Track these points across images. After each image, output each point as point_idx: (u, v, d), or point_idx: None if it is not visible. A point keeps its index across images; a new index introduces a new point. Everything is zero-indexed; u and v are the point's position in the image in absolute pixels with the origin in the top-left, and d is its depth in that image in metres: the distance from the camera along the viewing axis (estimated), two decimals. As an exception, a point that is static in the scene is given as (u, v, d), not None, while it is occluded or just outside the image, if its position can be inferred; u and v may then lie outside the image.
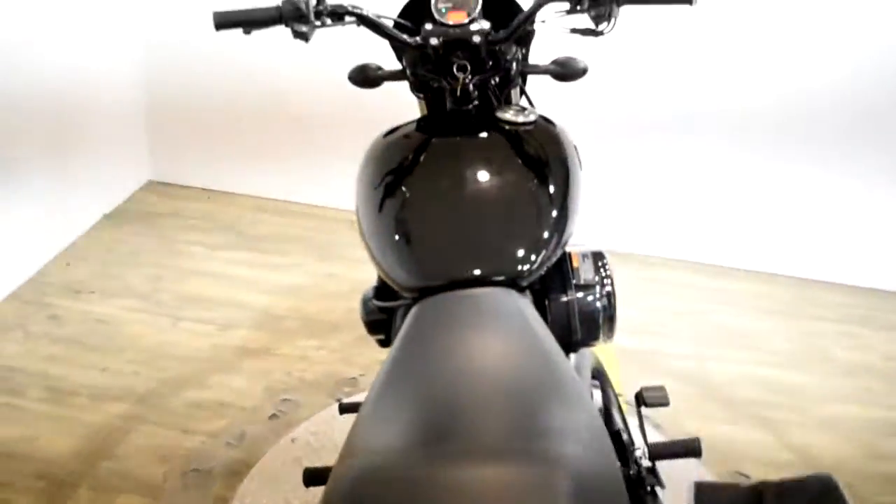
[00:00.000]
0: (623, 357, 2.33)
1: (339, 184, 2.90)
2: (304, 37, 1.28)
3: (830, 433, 2.14)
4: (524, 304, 1.00)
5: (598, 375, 1.34)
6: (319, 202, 3.05)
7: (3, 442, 1.86)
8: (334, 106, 2.83)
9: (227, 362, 2.17)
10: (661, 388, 1.52)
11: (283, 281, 2.58)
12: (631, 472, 1.03)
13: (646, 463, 1.05)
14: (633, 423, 1.29)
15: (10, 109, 2.35)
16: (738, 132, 2.76)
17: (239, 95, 2.96)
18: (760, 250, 2.92)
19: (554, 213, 1.13)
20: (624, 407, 1.47)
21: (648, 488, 1.03)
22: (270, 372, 2.14)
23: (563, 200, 1.14)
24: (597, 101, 2.70)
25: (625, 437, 1.15)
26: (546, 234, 1.09)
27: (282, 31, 1.28)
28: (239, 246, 2.77)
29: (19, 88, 2.37)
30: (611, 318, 1.21)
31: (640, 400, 1.51)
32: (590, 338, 1.19)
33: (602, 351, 1.55)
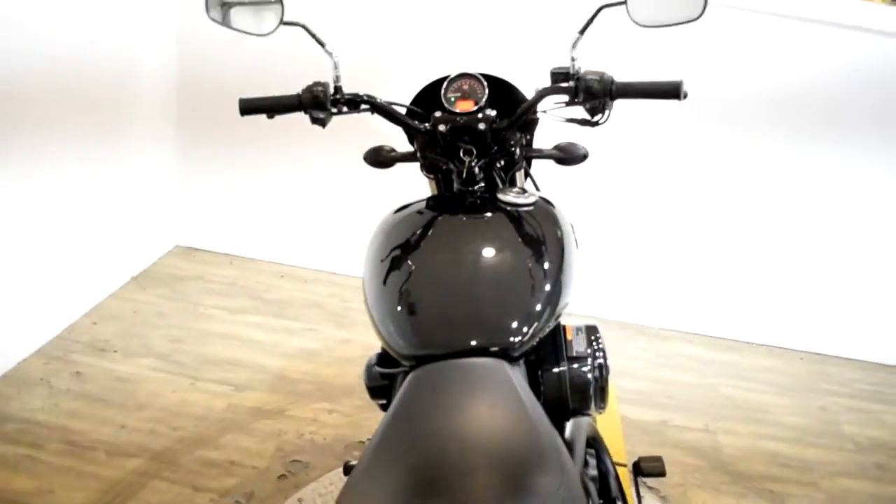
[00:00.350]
0: (633, 428, 2.38)
1: (356, 253, 3.02)
2: (322, 123, 1.40)
3: (840, 510, 2.16)
4: (514, 375, 1.06)
5: (595, 443, 1.39)
6: (337, 270, 3.16)
7: (18, 494, 1.92)
8: (354, 179, 2.96)
9: (242, 422, 2.23)
10: (659, 458, 1.57)
11: (299, 345, 2.66)
12: None
13: None
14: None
15: (49, 166, 2.49)
16: (752, 210, 2.85)
17: (264, 168, 3.11)
18: (774, 325, 2.98)
19: (547, 288, 1.20)
20: (624, 475, 1.52)
21: None
22: (283, 433, 2.20)
23: (557, 276, 1.22)
24: (615, 179, 2.81)
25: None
26: (538, 308, 1.16)
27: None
28: (259, 310, 2.86)
29: (54, 150, 2.52)
30: (602, 389, 1.27)
31: (638, 469, 1.56)
32: (582, 407, 1.24)
33: (606, 421, 1.61)
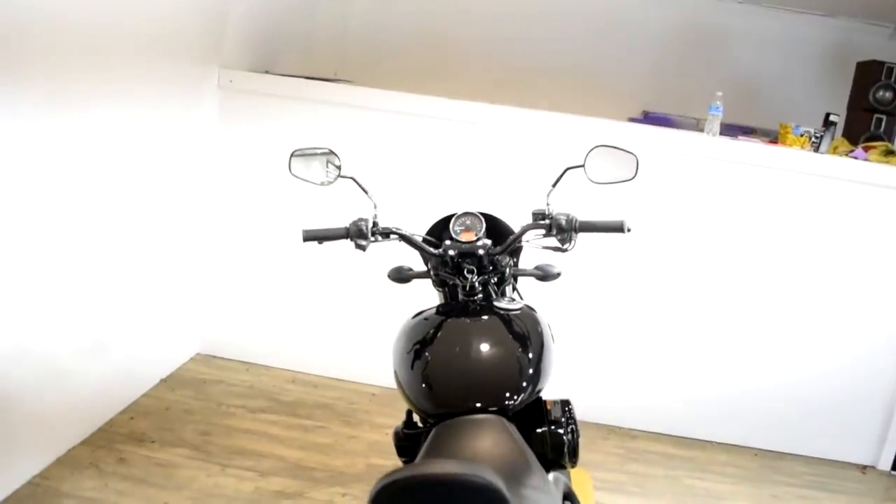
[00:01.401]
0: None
1: (359, 361, 3.46)
2: (363, 248, 1.87)
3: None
4: (511, 428, 1.49)
5: (570, 496, 1.77)
6: (342, 377, 3.56)
7: (84, 557, 2.25)
8: (354, 297, 3.42)
9: (268, 502, 2.58)
10: None
11: (312, 440, 3.03)
12: None
13: None
14: None
15: (91, 281, 2.92)
16: (712, 324, 3.32)
17: (277, 286, 3.56)
18: (731, 426, 3.39)
19: (531, 370, 1.64)
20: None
21: None
22: (303, 511, 2.55)
23: (539, 360, 1.66)
24: (585, 299, 3.28)
25: None
26: (525, 383, 1.60)
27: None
28: (275, 410, 3.24)
29: (84, 255, 2.96)
30: (574, 448, 1.68)
31: None
32: (559, 460, 1.65)
33: (580, 487, 1.98)
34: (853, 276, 3.20)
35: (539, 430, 1.65)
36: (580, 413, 3.25)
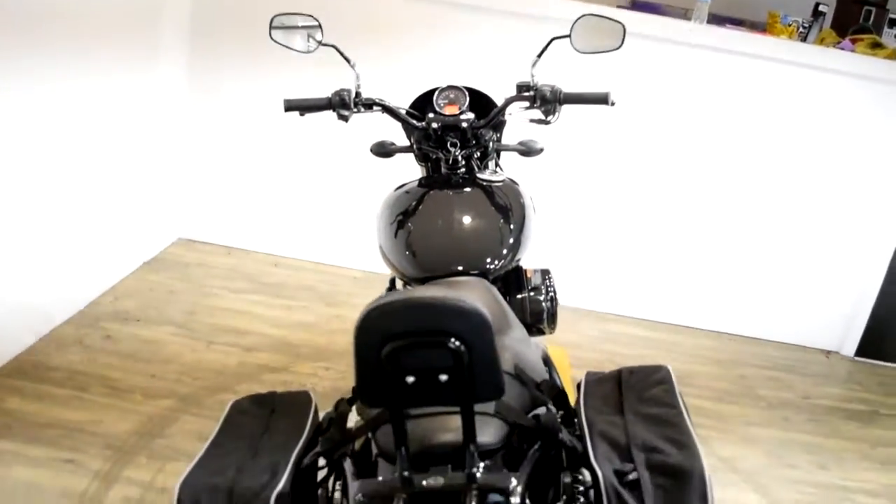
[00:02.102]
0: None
1: (341, 247, 3.48)
2: (345, 119, 1.85)
3: (750, 448, 2.64)
4: (493, 289, 1.53)
5: (547, 363, 1.84)
6: (324, 260, 3.59)
7: (74, 422, 2.32)
8: (337, 181, 3.42)
9: (253, 375, 2.65)
10: None
11: (296, 318, 3.09)
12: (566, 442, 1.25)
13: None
14: None
15: (71, 167, 2.90)
16: (694, 209, 3.36)
17: (259, 170, 3.54)
18: (704, 311, 3.48)
19: (511, 239, 1.67)
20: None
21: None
22: (288, 383, 2.62)
23: (519, 229, 1.69)
24: (564, 180, 3.29)
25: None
26: (505, 251, 1.63)
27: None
28: (258, 291, 3.28)
29: (77, 150, 2.93)
30: (553, 315, 1.74)
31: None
32: (537, 324, 1.71)
33: (557, 362, 2.06)
34: (831, 167, 3.23)
35: (519, 297, 1.70)
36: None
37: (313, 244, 3.61)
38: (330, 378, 2.69)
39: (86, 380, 2.53)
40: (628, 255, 3.45)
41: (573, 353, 3.02)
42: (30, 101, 2.53)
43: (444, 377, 0.90)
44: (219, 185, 3.62)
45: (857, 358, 3.45)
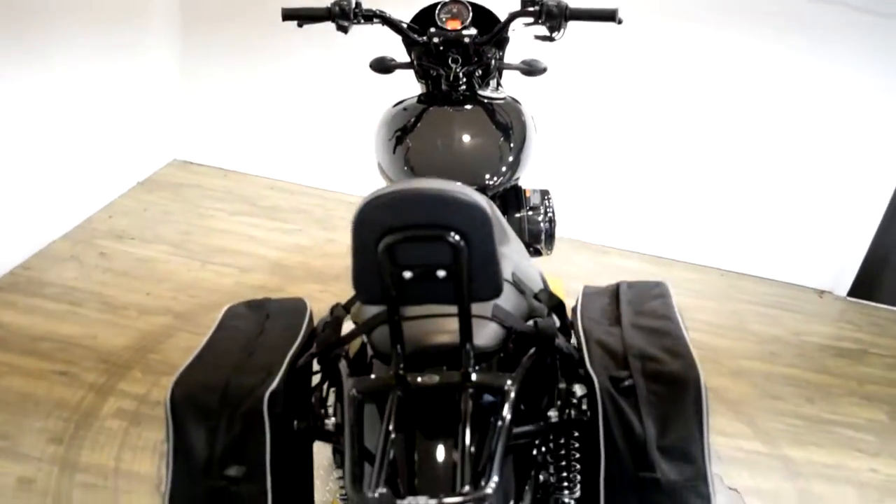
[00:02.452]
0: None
1: (338, 172, 3.45)
2: (345, 30, 1.80)
3: (737, 379, 2.67)
4: (492, 205, 1.51)
5: (545, 284, 1.84)
6: (320, 185, 3.57)
7: (70, 336, 2.33)
8: (335, 107, 3.36)
9: (248, 294, 2.61)
10: None
11: (291, 242, 3.07)
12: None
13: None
14: None
15: (63, 84, 2.85)
16: (688, 144, 3.32)
17: (255, 90, 3.47)
18: (700, 247, 3.48)
19: (511, 158, 1.64)
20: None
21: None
22: (282, 305, 2.63)
23: (520, 147, 1.66)
24: (569, 105, 3.24)
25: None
26: (504, 168, 1.61)
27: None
28: (253, 213, 3.26)
29: (66, 68, 2.86)
30: (551, 235, 1.72)
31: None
32: (534, 243, 1.70)
33: (552, 287, 2.05)
34: (831, 106, 3.18)
35: (517, 215, 1.69)
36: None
37: (310, 169, 3.58)
38: (325, 300, 2.65)
39: (80, 295, 2.53)
40: (627, 188, 3.43)
41: (569, 285, 3.02)
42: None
43: (441, 273, 0.88)
44: (215, 107, 3.56)
45: (850, 298, 3.46)
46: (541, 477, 1.18)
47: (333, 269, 2.90)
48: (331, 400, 1.17)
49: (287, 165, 3.59)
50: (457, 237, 0.85)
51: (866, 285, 3.44)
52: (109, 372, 2.20)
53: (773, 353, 2.90)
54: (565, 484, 1.16)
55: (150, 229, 3.00)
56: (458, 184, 0.88)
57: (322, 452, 1.91)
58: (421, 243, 0.87)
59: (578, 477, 1.16)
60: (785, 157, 3.29)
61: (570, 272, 3.13)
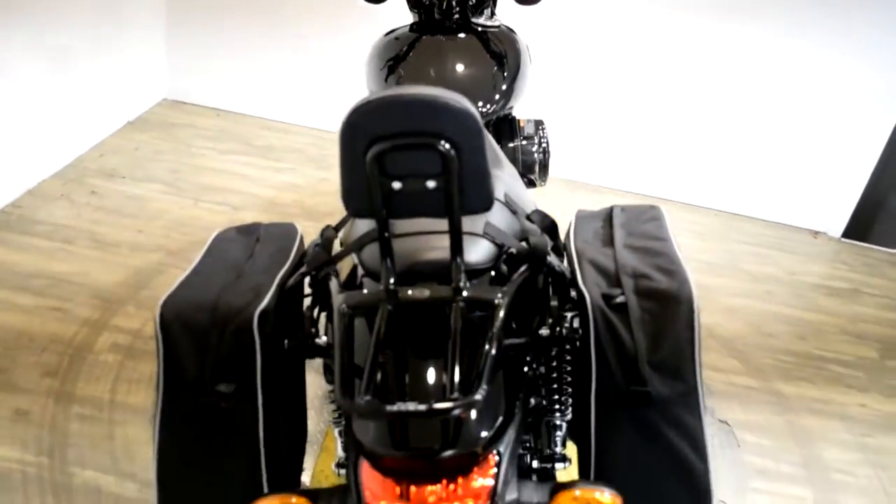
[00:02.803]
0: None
1: (332, 111, 3.40)
2: None
3: (731, 318, 2.68)
4: (486, 131, 1.49)
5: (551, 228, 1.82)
6: (314, 125, 3.52)
7: (62, 273, 2.32)
8: (329, 44, 3.30)
9: (241, 233, 2.64)
10: None
11: (284, 180, 3.05)
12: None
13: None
14: None
15: (53, 20, 2.79)
16: (684, 82, 3.28)
17: (250, 27, 3.41)
18: (696, 187, 3.46)
19: (504, 87, 1.62)
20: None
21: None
22: (276, 242, 2.61)
23: (513, 77, 1.64)
24: (563, 40, 3.19)
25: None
26: (498, 96, 1.58)
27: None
28: (246, 153, 3.23)
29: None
30: (545, 166, 1.71)
31: None
32: (528, 175, 1.68)
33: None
34: (831, 43, 3.13)
35: (511, 145, 1.67)
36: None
37: (304, 108, 3.53)
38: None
39: (72, 233, 2.51)
40: (623, 127, 3.39)
41: (562, 224, 3.01)
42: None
43: (431, 184, 0.86)
44: (207, 45, 3.49)
45: (844, 239, 3.45)
46: (532, 401, 1.18)
47: (327, 206, 2.88)
48: (322, 322, 1.17)
49: (281, 105, 3.54)
50: (447, 146, 0.83)
51: (860, 227, 3.44)
52: (103, 308, 2.20)
53: (767, 292, 2.90)
54: (556, 407, 1.16)
55: (142, 168, 2.97)
56: (450, 91, 0.85)
57: (316, 383, 1.93)
58: (410, 152, 0.85)
59: (570, 401, 1.16)
60: (782, 98, 3.26)
61: (563, 211, 3.10)
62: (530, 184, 1.72)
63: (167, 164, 3.02)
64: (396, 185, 0.87)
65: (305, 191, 2.99)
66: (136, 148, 3.12)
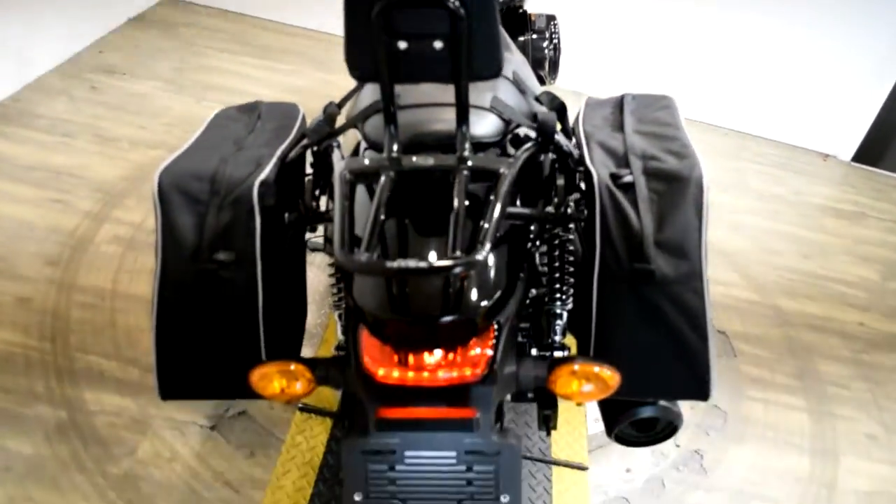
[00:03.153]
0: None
1: (337, 13, 3.31)
2: None
3: (736, 233, 2.67)
4: None
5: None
6: (320, 28, 3.44)
7: (64, 166, 2.29)
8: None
9: (243, 133, 2.60)
10: None
11: (287, 81, 2.99)
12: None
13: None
14: None
15: None
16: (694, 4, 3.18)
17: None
18: (705, 106, 3.40)
19: None
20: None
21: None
22: (279, 143, 2.58)
23: None
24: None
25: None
26: None
27: None
28: (248, 53, 3.15)
29: None
30: (555, 63, 1.66)
31: None
32: (538, 70, 1.64)
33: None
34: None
35: (521, 38, 1.62)
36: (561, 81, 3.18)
37: (308, 10, 3.43)
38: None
39: (72, 128, 2.47)
40: (635, 42, 3.31)
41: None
42: None
43: (438, 45, 0.82)
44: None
45: (853, 163, 3.41)
46: (533, 291, 1.17)
47: (331, 112, 2.83)
48: (323, 200, 1.15)
49: (287, 6, 3.45)
50: (457, 3, 0.79)
51: (871, 152, 3.40)
52: (104, 201, 2.18)
53: (774, 211, 2.88)
54: (557, 296, 1.15)
55: (143, 65, 2.91)
56: None
57: (318, 278, 1.93)
58: (418, 10, 0.81)
59: (571, 291, 1.15)
60: (797, 19, 3.16)
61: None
62: (540, 81, 1.67)
63: (168, 63, 2.96)
64: (402, 44, 0.83)
65: (310, 93, 2.94)
66: (137, 45, 3.05)
